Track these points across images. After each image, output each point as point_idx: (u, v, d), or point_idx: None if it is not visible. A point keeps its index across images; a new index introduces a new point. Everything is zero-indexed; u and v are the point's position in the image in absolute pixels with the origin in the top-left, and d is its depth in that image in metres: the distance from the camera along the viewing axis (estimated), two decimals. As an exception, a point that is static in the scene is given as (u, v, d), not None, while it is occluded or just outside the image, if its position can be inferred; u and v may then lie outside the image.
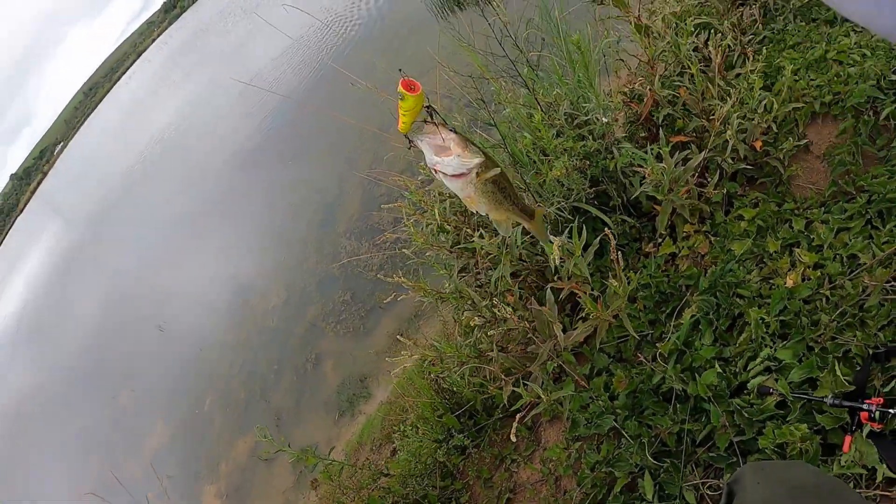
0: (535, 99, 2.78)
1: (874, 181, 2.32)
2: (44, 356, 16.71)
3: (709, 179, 2.69)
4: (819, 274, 2.20)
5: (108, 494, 7.73)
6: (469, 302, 2.75)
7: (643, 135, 3.01)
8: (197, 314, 9.23)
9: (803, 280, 2.21)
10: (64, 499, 8.99)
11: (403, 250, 3.19)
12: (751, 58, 2.98)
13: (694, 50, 3.10)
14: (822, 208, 2.43)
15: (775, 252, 2.38)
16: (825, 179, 2.59)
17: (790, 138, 2.72)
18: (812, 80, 2.89)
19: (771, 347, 2.09)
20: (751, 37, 3.41)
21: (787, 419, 1.91)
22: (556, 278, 2.42)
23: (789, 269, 2.28)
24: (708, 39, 3.10)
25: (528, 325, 2.46)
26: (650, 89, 2.83)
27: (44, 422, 12.99)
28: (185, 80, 31.80)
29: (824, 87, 2.81)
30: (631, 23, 2.92)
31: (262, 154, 12.15)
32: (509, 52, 2.88)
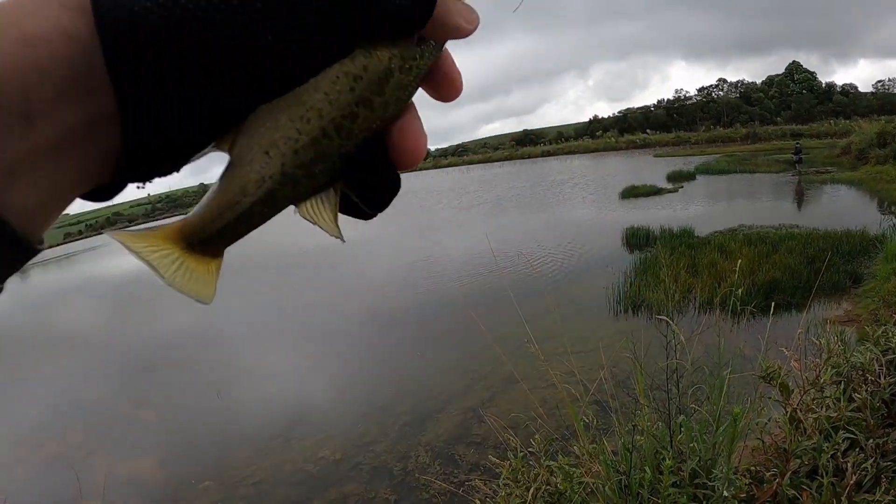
0: (671, 443, 2.80)
1: None
2: (109, 326, 17.15)
3: None
4: None
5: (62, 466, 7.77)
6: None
7: (750, 518, 2.92)
8: (253, 409, 9.16)
9: None
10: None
11: (476, 499, 3.16)
12: (882, 487, 2.88)
13: (831, 456, 3.04)
14: None
15: None
16: None
17: None
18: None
19: None
20: (889, 462, 3.30)
21: None
22: None
23: None
24: (848, 449, 3.04)
25: None
26: (778, 484, 2.78)
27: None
28: (374, 222, 33.86)
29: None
30: (786, 412, 2.93)
31: (396, 325, 12.47)
32: (662, 382, 2.97)
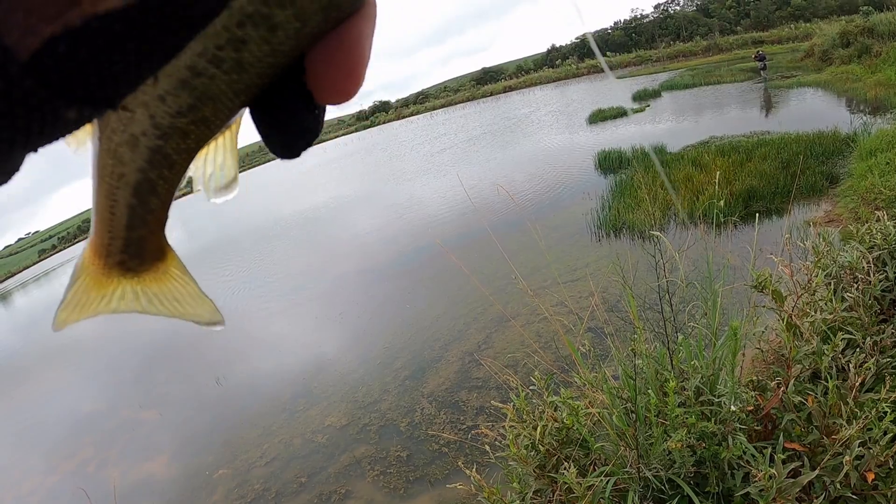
0: (672, 364, 2.79)
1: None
2: (99, 333, 17.10)
3: (812, 498, 2.57)
4: None
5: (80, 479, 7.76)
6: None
7: (757, 428, 2.93)
8: (255, 389, 9.14)
9: None
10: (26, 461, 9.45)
11: (485, 444, 3.16)
12: (887, 384, 2.90)
13: (832, 358, 3.06)
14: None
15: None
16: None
17: (903, 479, 2.59)
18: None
19: None
20: (889, 359, 3.33)
21: None
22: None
23: None
24: (846, 348, 3.07)
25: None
26: (783, 391, 2.79)
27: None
28: (348, 180, 33.39)
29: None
30: (782, 319, 2.93)
31: (383, 280, 12.39)
32: (654, 302, 2.96)
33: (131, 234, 0.38)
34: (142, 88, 0.29)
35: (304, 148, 0.36)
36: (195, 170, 0.39)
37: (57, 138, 0.28)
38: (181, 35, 0.27)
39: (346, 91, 0.33)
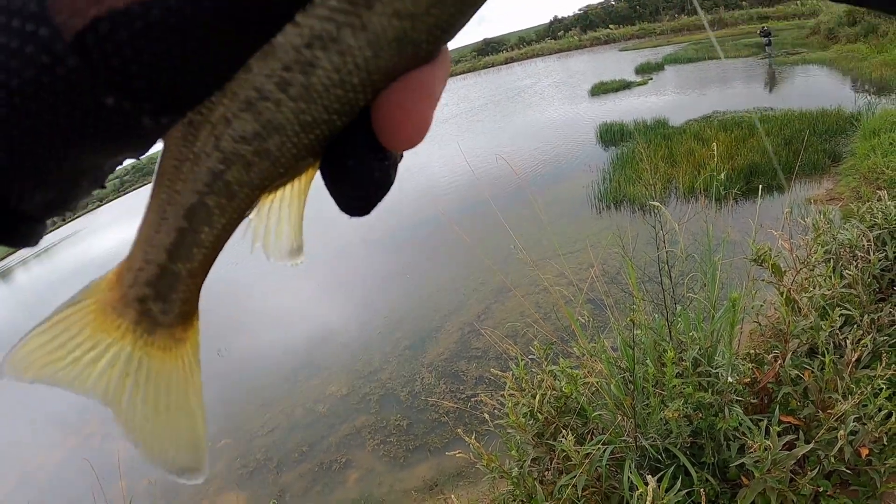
0: (670, 335, 2.82)
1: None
2: None
3: (806, 471, 2.61)
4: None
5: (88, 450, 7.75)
6: (529, 493, 2.72)
7: (753, 401, 2.97)
8: (257, 360, 9.19)
9: None
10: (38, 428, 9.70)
11: (484, 412, 3.20)
12: (883, 361, 2.94)
13: (829, 334, 3.09)
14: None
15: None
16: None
17: (896, 456, 2.64)
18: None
19: None
20: (885, 337, 3.38)
21: None
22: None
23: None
24: (844, 325, 3.10)
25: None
26: (780, 364, 2.82)
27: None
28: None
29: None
30: (781, 293, 2.95)
31: (383, 251, 12.48)
32: (653, 274, 2.98)
33: (169, 265, 0.34)
34: (206, 104, 0.28)
35: (376, 201, 0.35)
36: (256, 221, 0.36)
37: (127, 143, 0.29)
38: (243, 37, 0.27)
39: (409, 138, 0.31)
